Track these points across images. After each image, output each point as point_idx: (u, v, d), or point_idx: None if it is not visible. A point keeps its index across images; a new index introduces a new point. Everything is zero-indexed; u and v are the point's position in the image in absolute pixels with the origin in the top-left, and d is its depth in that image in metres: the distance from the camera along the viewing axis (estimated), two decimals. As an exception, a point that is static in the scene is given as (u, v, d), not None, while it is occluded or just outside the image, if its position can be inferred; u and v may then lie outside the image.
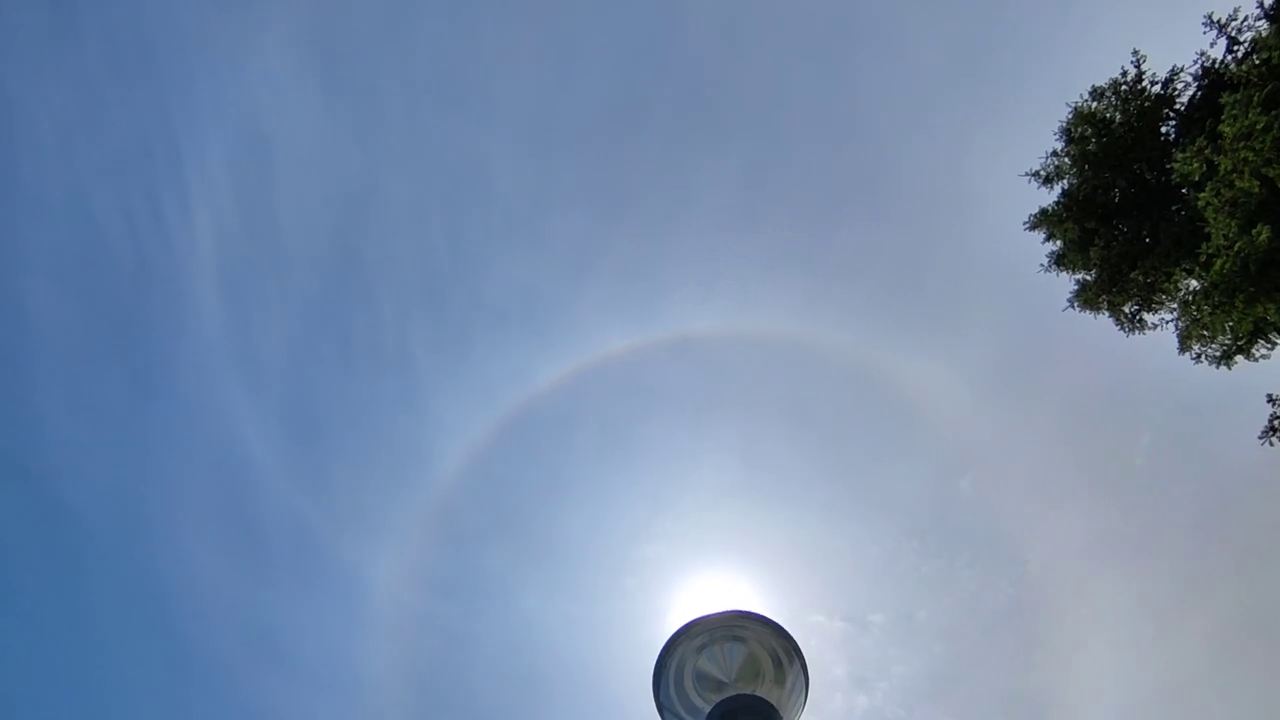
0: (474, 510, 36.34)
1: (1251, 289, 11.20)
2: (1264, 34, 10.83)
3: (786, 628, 2.79)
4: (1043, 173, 14.50)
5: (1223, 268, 11.08)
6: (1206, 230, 11.35)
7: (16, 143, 28.60)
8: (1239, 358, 12.74)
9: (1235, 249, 10.79)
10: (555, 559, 37.84)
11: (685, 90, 34.14)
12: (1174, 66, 12.74)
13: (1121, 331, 14.68)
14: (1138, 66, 13.01)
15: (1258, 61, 10.63)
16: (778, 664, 2.63)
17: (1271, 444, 12.34)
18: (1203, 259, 11.57)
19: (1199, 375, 13.44)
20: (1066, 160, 14.13)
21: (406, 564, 34.59)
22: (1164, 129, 13.14)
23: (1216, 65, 12.01)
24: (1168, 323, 13.97)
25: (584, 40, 32.72)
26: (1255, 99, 10.18)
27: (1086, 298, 14.56)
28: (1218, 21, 11.52)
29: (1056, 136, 14.12)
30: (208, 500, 34.35)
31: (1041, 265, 15.00)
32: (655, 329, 33.37)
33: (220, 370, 32.99)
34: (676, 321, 33.95)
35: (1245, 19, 11.37)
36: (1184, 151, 11.37)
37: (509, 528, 37.49)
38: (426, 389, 36.29)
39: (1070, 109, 13.75)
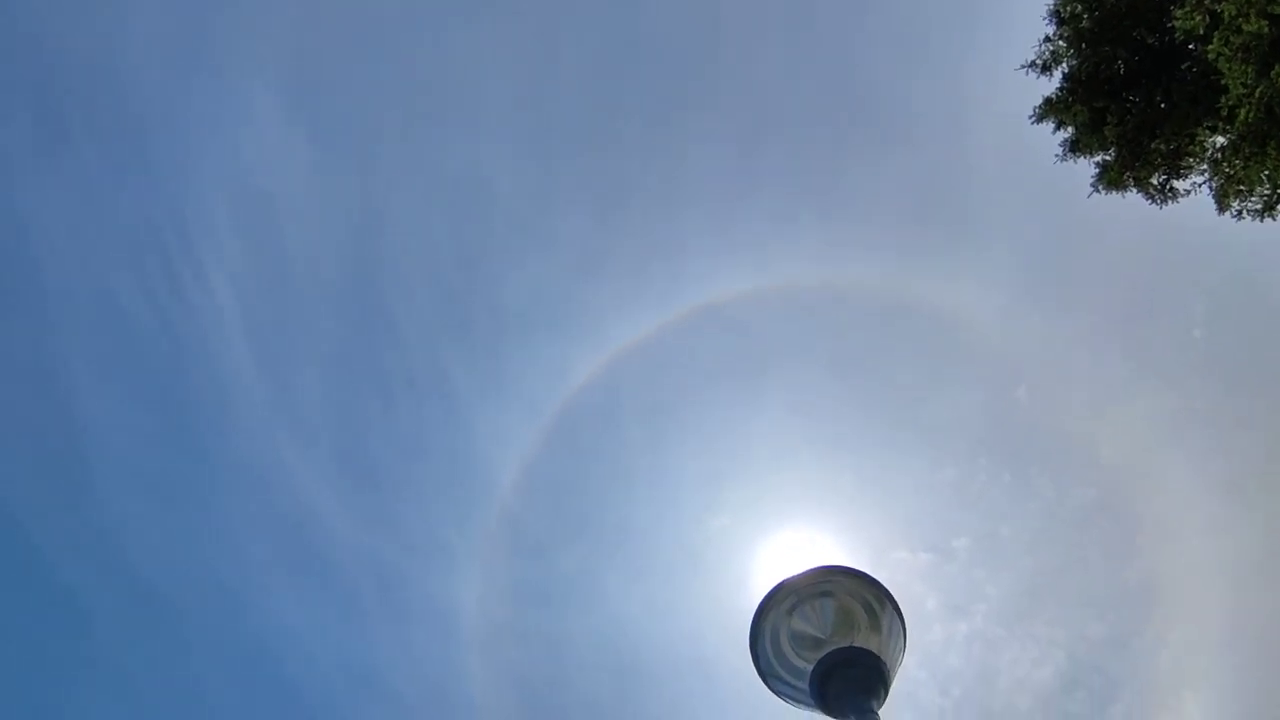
0: (541, 517, 36.87)
1: (1281, 132, 10.72)
2: None
3: (871, 572, 2.80)
4: (1039, 61, 13.99)
5: (1247, 117, 10.60)
6: (1222, 83, 10.86)
7: (34, 253, 29.58)
8: (1282, 205, 12.21)
9: (1257, 95, 10.31)
10: (631, 548, 38.21)
11: (665, 69, 33.83)
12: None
13: (1153, 205, 14.17)
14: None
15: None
16: (870, 611, 2.64)
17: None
18: (1224, 113, 11.08)
19: (1243, 232, 12.95)
20: (1062, 43, 13.61)
21: (488, 581, 35.27)
22: (1156, -12, 12.58)
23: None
24: (1200, 186, 13.44)
25: (558, 37, 32.57)
26: (1247, -65, 9.68)
27: (1110, 178, 14.06)
28: None
29: (1047, 21, 13.62)
30: (284, 558, 35.44)
31: (1056, 156, 14.52)
32: (679, 304, 33.26)
33: (268, 429, 33.90)
34: (699, 293, 33.78)
35: None
36: (1182, 8, 10.88)
37: (580, 527, 37.96)
38: (469, 407, 36.79)
39: (1054, -10, 13.24)
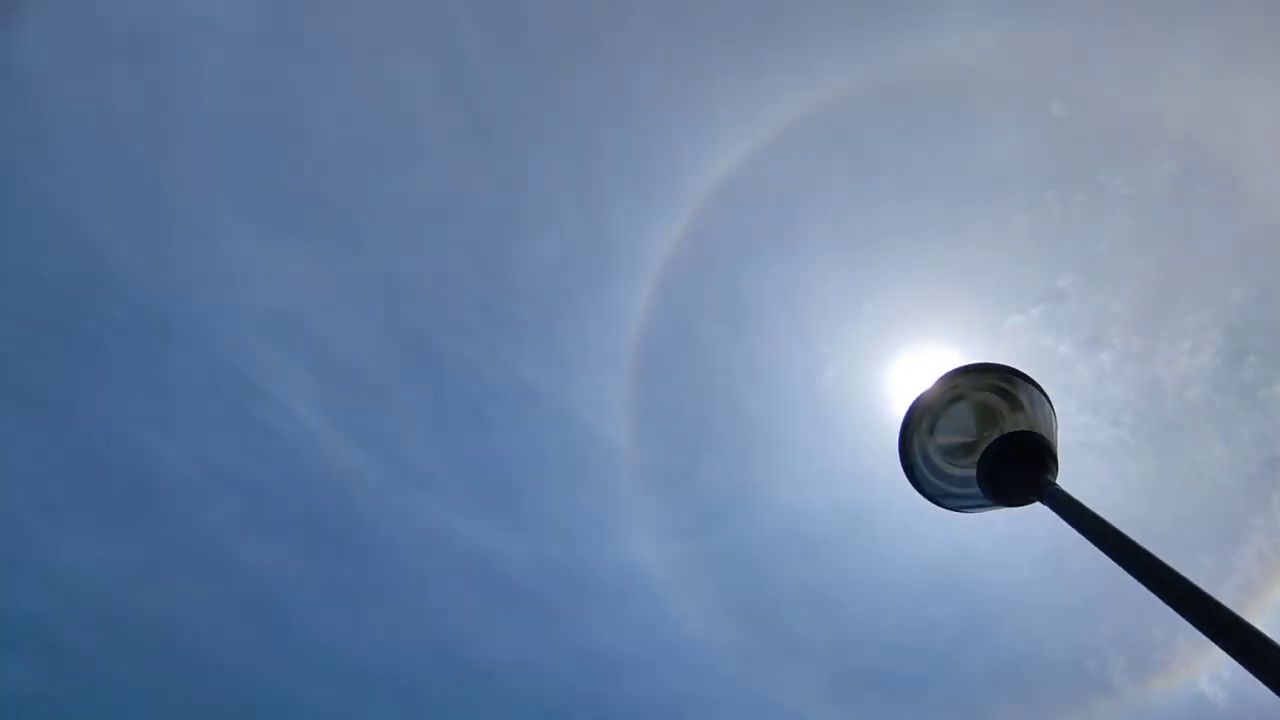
0: (684, 436, 37.68)
1: None
2: None
3: (992, 357, 2.74)
4: None
5: None
6: None
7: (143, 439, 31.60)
8: None
9: None
10: (773, 437, 38.76)
11: None
12: None
13: None
14: None
15: None
16: (1005, 395, 2.59)
17: None
18: None
19: None
20: None
21: (657, 521, 36.68)
22: None
23: None
24: None
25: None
26: None
27: None
28: None
29: None
30: (482, 598, 37.87)
31: None
32: (739, 144, 31.75)
33: (406, 502, 35.78)
34: (754, 128, 32.05)
35: None
36: None
37: (724, 444, 38.71)
38: (569, 383, 37.53)
39: None
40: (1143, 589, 1.89)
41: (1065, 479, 2.39)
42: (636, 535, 39.01)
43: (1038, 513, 2.41)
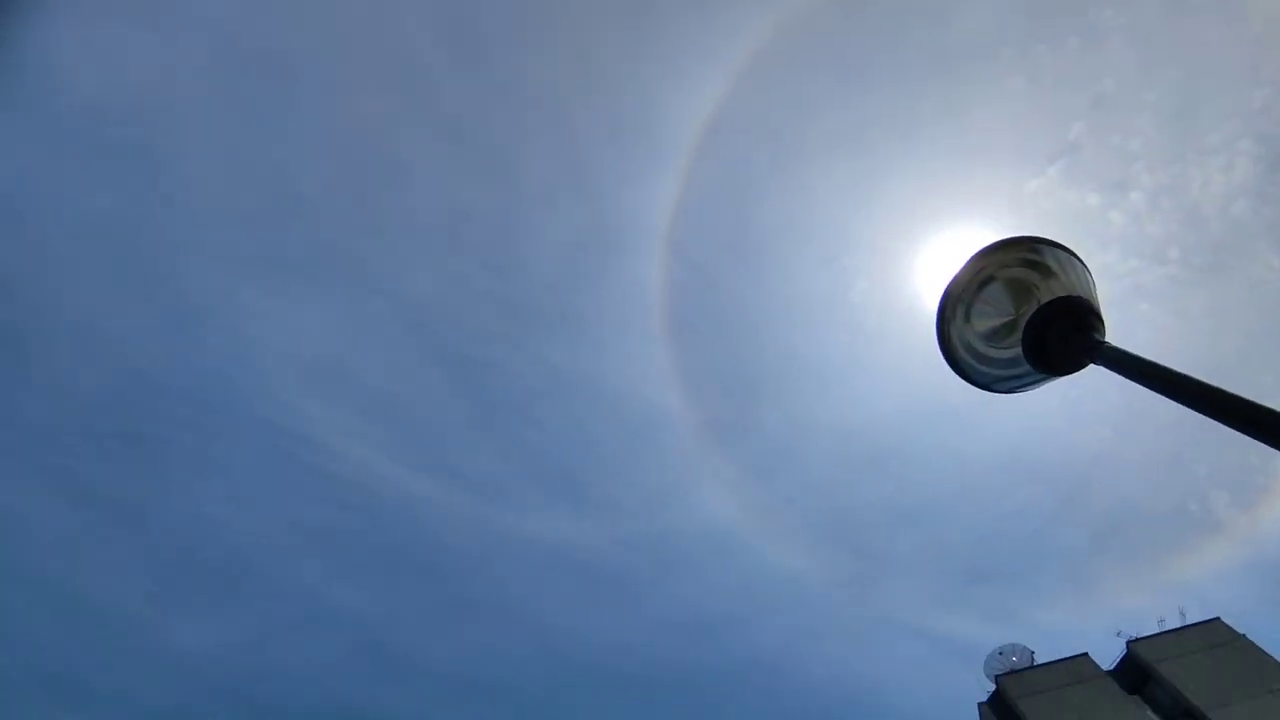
0: (730, 385, 37.69)
1: None
2: None
3: (1019, 228, 2.65)
4: None
5: None
6: None
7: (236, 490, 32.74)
8: None
9: None
10: (818, 363, 38.48)
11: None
12: None
13: None
14: None
15: None
16: (1034, 266, 2.51)
17: None
18: None
19: None
20: None
21: (724, 473, 36.87)
22: None
23: None
24: None
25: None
26: None
27: None
28: None
29: None
30: (573, 589, 38.68)
31: None
32: (713, 86, 30.94)
33: (477, 514, 36.63)
34: (722, 65, 31.08)
35: None
36: None
37: (771, 383, 38.57)
38: (606, 362, 37.64)
39: None
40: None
41: (1124, 332, 2.32)
42: (709, 492, 39.23)
43: (1101, 372, 2.33)
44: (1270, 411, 1.68)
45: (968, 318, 2.65)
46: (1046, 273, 2.48)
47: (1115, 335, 2.34)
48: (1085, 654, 26.59)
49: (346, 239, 34.69)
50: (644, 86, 32.73)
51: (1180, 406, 1.94)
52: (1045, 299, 2.43)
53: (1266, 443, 1.66)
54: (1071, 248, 2.54)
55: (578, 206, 36.28)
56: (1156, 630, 26.12)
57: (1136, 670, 25.38)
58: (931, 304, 2.78)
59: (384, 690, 36.96)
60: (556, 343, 38.22)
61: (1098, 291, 2.49)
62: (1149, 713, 24.13)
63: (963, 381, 2.81)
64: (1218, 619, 23.71)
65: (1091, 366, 2.29)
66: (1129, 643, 25.82)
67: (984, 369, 2.65)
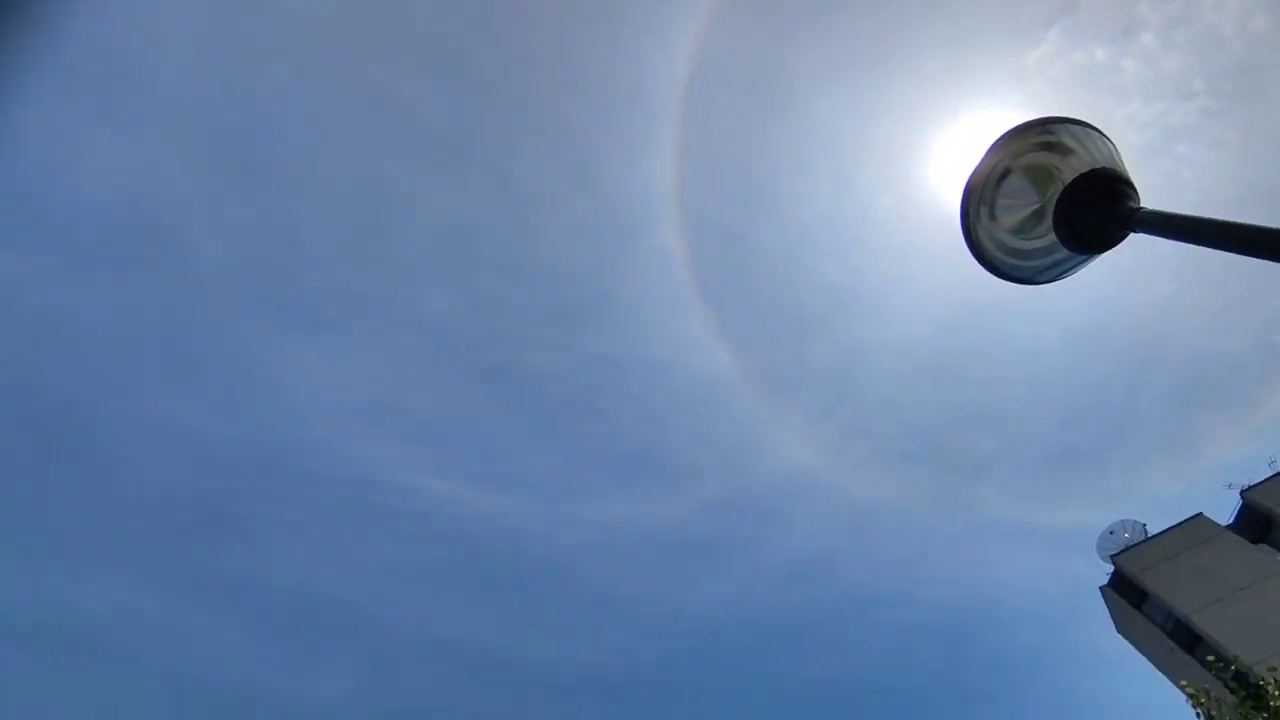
0: (776, 332, 37.37)
1: None
2: None
3: (1029, 102, 2.55)
4: None
5: None
6: None
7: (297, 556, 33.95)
8: None
9: None
10: (859, 289, 37.78)
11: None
12: None
13: None
14: None
15: None
16: (1050, 146, 2.41)
17: None
18: None
19: None
20: None
21: (790, 420, 36.67)
22: None
23: None
24: None
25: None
26: None
27: None
28: None
29: None
30: (671, 566, 39.07)
31: None
32: (688, 40, 30.58)
33: (559, 515, 37.24)
34: (694, 16, 30.53)
35: None
36: None
37: (816, 319, 38.05)
38: (650, 340, 37.69)
39: None
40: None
41: (1167, 180, 2.22)
42: (779, 442, 39.08)
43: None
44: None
45: (993, 216, 2.58)
46: (1065, 151, 2.38)
47: (1159, 185, 2.27)
48: (1200, 514, 25.80)
49: (361, 280, 35.38)
50: (621, 56, 32.37)
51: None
52: (1069, 178, 2.33)
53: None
54: (1085, 119, 2.43)
55: (580, 194, 36.31)
56: (1270, 474, 25.14)
57: (1258, 519, 24.53)
58: (957, 201, 2.71)
59: (509, 703, 38.10)
60: (594, 333, 38.45)
61: (1123, 158, 2.39)
62: (1279, 558, 23.33)
63: (1005, 284, 2.73)
64: (1334, 448, 22.69)
65: (1132, 235, 2.20)
66: (1243, 492, 24.93)
67: (1021, 264, 2.57)
